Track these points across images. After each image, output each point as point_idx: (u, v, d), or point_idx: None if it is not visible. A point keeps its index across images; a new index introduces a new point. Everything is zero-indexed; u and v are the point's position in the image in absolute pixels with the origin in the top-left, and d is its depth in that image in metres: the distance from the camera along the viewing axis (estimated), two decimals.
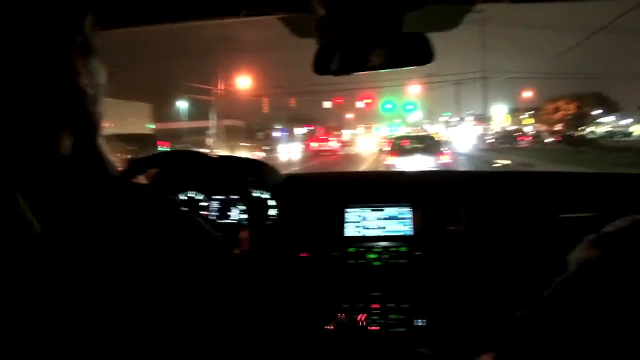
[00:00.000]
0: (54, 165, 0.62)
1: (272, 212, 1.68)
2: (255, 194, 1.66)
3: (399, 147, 15.32)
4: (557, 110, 42.39)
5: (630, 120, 53.27)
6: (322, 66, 1.44)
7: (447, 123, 72.18)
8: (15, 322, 0.51)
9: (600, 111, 39.97)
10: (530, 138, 39.23)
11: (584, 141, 28.63)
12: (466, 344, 1.50)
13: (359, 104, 43.84)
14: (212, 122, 33.19)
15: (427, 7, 1.36)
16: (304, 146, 41.56)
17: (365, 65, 1.41)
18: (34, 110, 0.61)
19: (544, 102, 46.49)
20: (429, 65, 1.39)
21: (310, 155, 34.22)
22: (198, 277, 0.63)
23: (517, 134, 39.42)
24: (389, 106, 46.08)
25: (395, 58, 1.41)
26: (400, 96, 52.29)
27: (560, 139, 34.59)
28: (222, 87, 34.17)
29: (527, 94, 52.70)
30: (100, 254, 0.57)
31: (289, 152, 37.33)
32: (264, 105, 41.33)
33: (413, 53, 1.40)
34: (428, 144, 14.97)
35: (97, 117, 0.71)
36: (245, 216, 1.58)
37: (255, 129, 55.08)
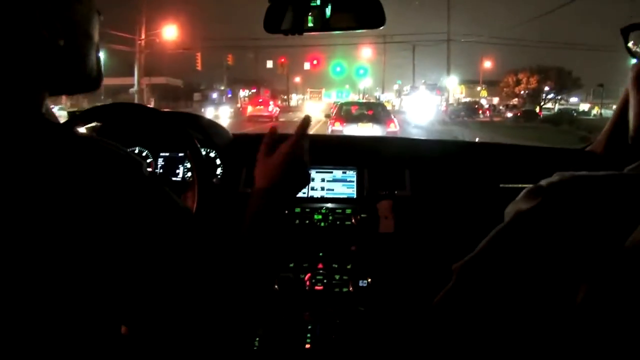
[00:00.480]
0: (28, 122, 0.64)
1: (218, 171, 1.70)
2: (203, 152, 1.66)
3: (346, 113, 14.98)
4: (518, 82, 42.15)
5: (576, 99, 54.71)
6: (272, 24, 1.44)
7: (398, 92, 70.62)
8: None
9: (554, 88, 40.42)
10: (489, 112, 38.41)
11: (566, 118, 28.23)
12: (407, 302, 1.58)
13: (307, 66, 39.73)
14: (135, 79, 28.59)
15: None
16: (235, 110, 38.76)
17: (317, 26, 1.42)
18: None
19: (504, 74, 46.51)
20: (384, 28, 1.42)
21: (244, 120, 31.28)
22: (157, 239, 0.65)
23: (476, 106, 38.60)
24: (338, 69, 44.11)
25: (348, 20, 1.43)
26: (351, 60, 51.13)
27: (520, 113, 34.66)
28: (144, 37, 28.20)
29: (487, 64, 50.90)
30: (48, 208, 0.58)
31: (217, 116, 31.55)
32: (197, 61, 35.02)
33: (366, 16, 1.42)
34: (377, 112, 14.75)
35: (78, 68, 0.74)
36: (190, 174, 1.60)
37: (194, 90, 51.04)
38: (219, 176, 1.68)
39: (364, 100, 36.06)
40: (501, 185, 1.77)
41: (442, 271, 1.41)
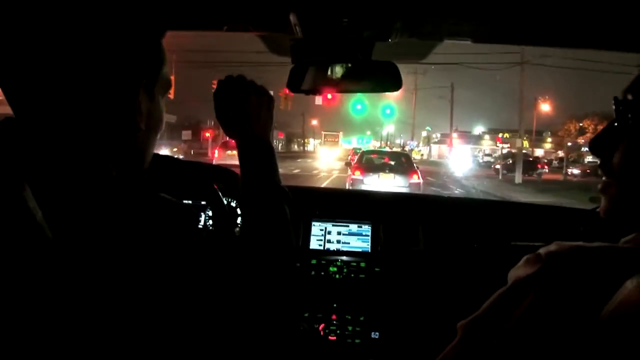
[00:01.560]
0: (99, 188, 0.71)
1: (239, 220, 1.80)
2: (224, 201, 1.77)
3: (367, 162, 14.56)
4: (582, 131, 38.49)
5: None
6: (295, 84, 1.58)
7: (427, 139, 66.76)
8: (21, 320, 0.58)
9: None
10: (547, 166, 31.59)
11: None
12: (415, 356, 1.65)
13: (318, 100, 28.65)
14: None
15: (397, 40, 1.52)
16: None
17: (336, 88, 1.56)
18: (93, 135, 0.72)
19: (564, 121, 43.78)
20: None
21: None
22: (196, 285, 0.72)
23: (532, 159, 30.89)
24: (359, 107, 34.10)
25: (365, 83, 1.56)
26: (374, 98, 48.10)
27: (589, 170, 27.35)
28: None
29: (545, 107, 36.58)
30: (114, 258, 0.64)
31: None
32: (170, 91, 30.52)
33: (383, 80, 1.55)
34: (399, 162, 14.35)
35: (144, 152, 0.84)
36: (212, 222, 1.71)
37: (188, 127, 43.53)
38: (239, 225, 1.79)
39: (387, 149, 35.35)
40: (512, 243, 1.86)
41: (450, 327, 1.49)
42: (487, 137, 59.57)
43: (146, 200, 0.74)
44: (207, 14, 1.45)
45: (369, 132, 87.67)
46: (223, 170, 1.89)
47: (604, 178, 0.74)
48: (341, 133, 60.05)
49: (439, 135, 65.80)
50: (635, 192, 0.69)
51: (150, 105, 0.79)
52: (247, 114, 1.04)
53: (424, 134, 72.91)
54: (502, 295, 0.68)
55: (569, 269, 0.61)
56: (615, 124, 0.71)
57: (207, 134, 39.11)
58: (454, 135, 60.41)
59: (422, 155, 55.62)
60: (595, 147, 0.74)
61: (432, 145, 64.79)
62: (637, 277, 0.54)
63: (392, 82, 1.53)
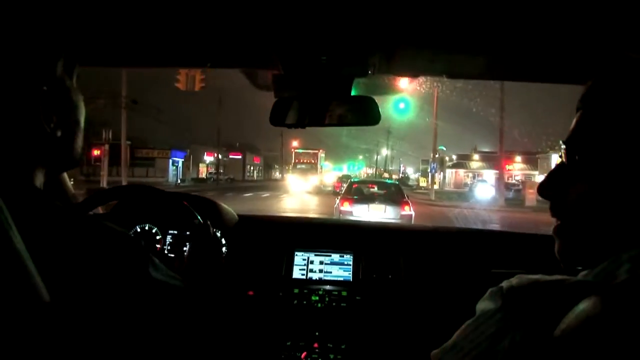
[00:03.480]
0: (27, 197, 0.74)
1: (224, 250, 1.91)
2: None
3: (356, 193, 14.26)
4: None
5: None
6: (277, 118, 1.72)
7: (439, 161, 51.78)
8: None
9: None
10: None
11: None
12: None
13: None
14: None
15: (375, 75, 1.67)
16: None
17: (317, 121, 1.70)
18: (8, 145, 0.75)
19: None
20: None
21: None
22: (147, 315, 0.76)
23: None
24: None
25: (346, 117, 1.69)
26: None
27: None
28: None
29: None
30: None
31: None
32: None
33: (362, 114, 1.70)
34: (390, 192, 14.18)
35: (69, 152, 0.87)
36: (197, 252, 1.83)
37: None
38: (224, 255, 1.90)
39: (378, 179, 33.60)
40: (493, 271, 2.00)
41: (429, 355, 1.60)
42: (518, 159, 50.05)
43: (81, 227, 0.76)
44: (191, 52, 1.58)
45: (361, 157, 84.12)
46: (208, 201, 2.01)
47: (556, 221, 0.81)
48: (322, 152, 44.06)
49: (454, 157, 58.58)
50: (592, 231, 0.74)
51: (62, 89, 0.83)
52: None
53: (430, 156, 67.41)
54: (469, 326, 0.73)
55: (526, 301, 0.67)
56: (564, 164, 0.77)
57: (96, 152, 26.54)
58: (475, 157, 55.93)
59: (428, 183, 43.77)
60: (544, 190, 0.81)
61: (446, 170, 56.46)
62: (584, 302, 0.60)
63: (371, 116, 1.67)
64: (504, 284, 0.71)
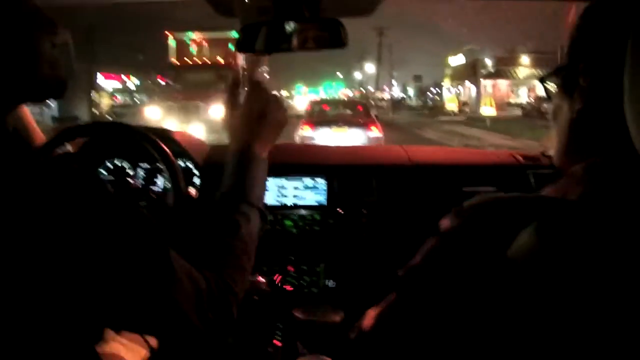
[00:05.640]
0: None
1: (197, 181, 1.98)
2: (180, 163, 1.93)
3: (318, 114, 13.80)
4: None
5: None
6: (246, 45, 1.78)
7: (471, 68, 42.27)
8: None
9: None
10: None
11: None
12: (370, 302, 1.92)
13: None
14: None
15: None
16: None
17: (286, 47, 1.76)
18: None
19: None
20: None
21: None
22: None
23: None
24: None
25: (313, 41, 1.76)
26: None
27: None
28: None
29: None
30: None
31: None
32: None
33: (330, 36, 1.76)
34: (355, 112, 13.72)
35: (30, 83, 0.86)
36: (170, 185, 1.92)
37: None
38: (197, 187, 1.98)
39: (339, 99, 33.41)
40: (464, 189, 2.14)
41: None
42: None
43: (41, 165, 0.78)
44: None
45: (340, 74, 77.05)
46: (177, 133, 2.08)
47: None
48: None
49: (488, 63, 42.39)
50: (570, 138, 0.81)
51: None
52: (262, 127, 1.16)
53: (452, 60, 50.26)
54: (432, 245, 0.77)
55: (485, 220, 0.71)
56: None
57: None
58: (524, 60, 37.46)
59: (461, 104, 36.75)
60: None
61: (482, 81, 40.81)
62: (531, 226, 0.64)
63: (338, 39, 1.74)
64: (465, 203, 0.76)
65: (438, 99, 57.32)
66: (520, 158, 2.19)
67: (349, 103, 16.71)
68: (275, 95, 1.20)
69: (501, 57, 42.38)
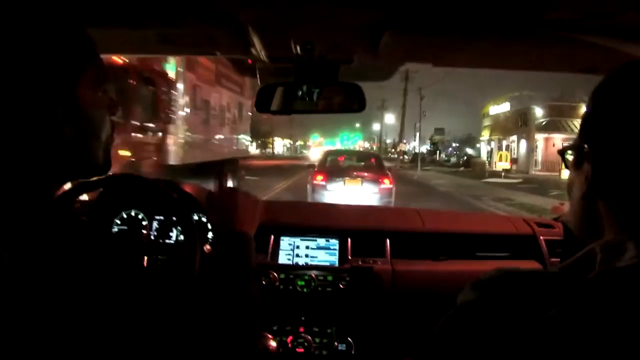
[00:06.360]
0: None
1: (210, 235, 2.01)
2: (195, 217, 1.98)
3: (331, 164, 13.91)
4: None
5: None
6: (263, 105, 1.84)
7: (523, 120, 36.04)
8: None
9: None
10: None
11: None
12: None
13: None
14: None
15: (361, 62, 1.79)
16: None
17: (302, 108, 1.82)
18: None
19: None
20: None
21: None
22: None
23: None
24: None
25: (331, 104, 1.81)
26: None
27: None
28: None
29: None
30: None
31: None
32: None
33: (347, 100, 1.81)
34: (369, 164, 13.91)
35: (84, 161, 0.90)
36: (183, 238, 1.96)
37: None
38: (210, 241, 2.01)
39: (353, 150, 33.58)
40: (477, 254, 2.16)
41: (415, 339, 1.75)
42: None
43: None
44: (176, 39, 1.68)
45: (357, 125, 76.66)
46: (189, 185, 2.13)
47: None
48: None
49: (538, 112, 34.98)
50: (583, 217, 0.83)
51: (78, 107, 0.85)
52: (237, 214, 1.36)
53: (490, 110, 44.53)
54: (449, 318, 0.78)
55: (502, 295, 0.73)
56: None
57: None
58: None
59: (508, 161, 30.65)
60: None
61: (534, 134, 34.68)
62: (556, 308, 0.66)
63: (357, 103, 1.80)
64: (482, 276, 0.78)
65: (473, 153, 53.79)
66: (534, 224, 2.22)
67: (362, 154, 17.13)
68: (244, 192, 1.43)
69: (555, 105, 35.54)
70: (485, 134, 47.35)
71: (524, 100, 37.30)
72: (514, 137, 38.21)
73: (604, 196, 0.78)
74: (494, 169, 35.21)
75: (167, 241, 2.03)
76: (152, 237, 2.02)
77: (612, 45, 1.31)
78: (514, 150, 37.47)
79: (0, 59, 0.76)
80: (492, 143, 45.03)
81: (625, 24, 1.22)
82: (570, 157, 0.88)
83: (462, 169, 41.07)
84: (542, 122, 35.76)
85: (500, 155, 31.86)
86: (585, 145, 0.79)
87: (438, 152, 58.63)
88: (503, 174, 29.35)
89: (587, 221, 0.83)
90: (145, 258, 1.91)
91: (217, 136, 15.33)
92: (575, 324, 0.65)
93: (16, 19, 0.78)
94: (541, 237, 2.13)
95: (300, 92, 1.80)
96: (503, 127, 41.27)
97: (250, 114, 19.38)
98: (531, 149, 35.62)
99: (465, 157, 52.83)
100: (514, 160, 31.46)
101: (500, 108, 43.40)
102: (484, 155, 47.19)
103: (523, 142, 36.56)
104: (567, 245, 1.97)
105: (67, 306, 0.76)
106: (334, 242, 2.10)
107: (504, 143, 41.06)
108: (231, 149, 16.98)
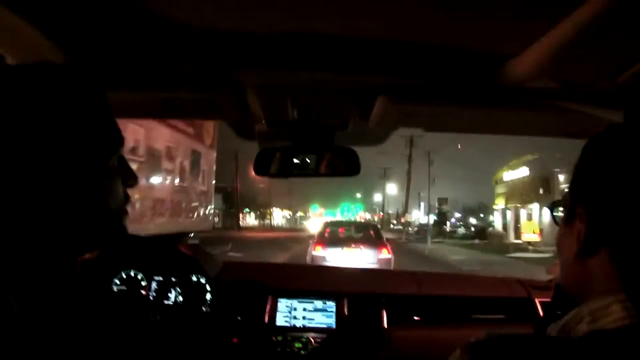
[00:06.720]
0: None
1: (208, 297, 2.03)
2: (193, 278, 2.02)
3: (330, 235, 14.18)
4: None
5: None
6: (261, 168, 1.92)
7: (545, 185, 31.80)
8: None
9: None
10: None
11: None
12: None
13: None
14: None
15: (356, 127, 1.88)
16: None
17: (300, 172, 1.89)
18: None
19: None
20: None
21: None
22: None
23: None
24: None
25: (327, 168, 1.89)
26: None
27: None
28: None
29: None
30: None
31: None
32: None
33: (343, 165, 1.90)
34: (367, 234, 14.11)
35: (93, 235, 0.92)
36: (182, 299, 2.00)
37: None
38: (208, 302, 2.04)
39: (352, 220, 33.92)
40: (473, 317, 2.19)
41: None
42: None
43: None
44: (179, 104, 1.76)
45: (359, 195, 76.44)
46: (192, 247, 2.20)
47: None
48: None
49: (561, 179, 31.11)
50: (568, 279, 0.85)
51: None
52: None
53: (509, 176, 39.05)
54: None
55: (490, 358, 0.75)
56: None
57: None
58: None
59: (537, 232, 27.69)
60: None
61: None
62: None
63: (352, 167, 1.88)
64: (473, 340, 0.79)
65: (477, 223, 51.54)
66: (529, 287, 2.26)
67: (361, 225, 17.07)
68: None
69: None
70: (500, 202, 43.36)
71: (544, 164, 33.86)
72: (534, 205, 35.35)
73: (600, 253, 0.78)
74: (513, 240, 33.86)
75: (165, 302, 2.06)
76: (151, 298, 2.05)
77: (594, 112, 1.38)
78: (536, 219, 33.81)
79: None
80: (509, 212, 41.15)
81: (603, 91, 1.30)
82: (559, 213, 0.90)
83: (477, 241, 39.28)
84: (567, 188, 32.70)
85: (526, 226, 29.79)
86: (577, 205, 0.80)
87: (446, 223, 55.25)
88: (530, 247, 27.26)
89: (578, 279, 0.83)
90: (145, 317, 1.94)
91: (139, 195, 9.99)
92: None
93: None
94: (536, 300, 2.16)
95: (297, 156, 1.88)
96: (521, 194, 37.58)
97: (214, 168, 15.56)
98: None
99: (475, 228, 51.30)
100: (534, 230, 28.64)
101: (516, 173, 39.53)
102: (498, 226, 44.50)
103: (546, 211, 34.26)
104: (558, 306, 2.00)
105: None
106: (331, 305, 2.13)
107: (523, 212, 37.50)
108: (176, 219, 12.68)
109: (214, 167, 14.86)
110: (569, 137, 1.74)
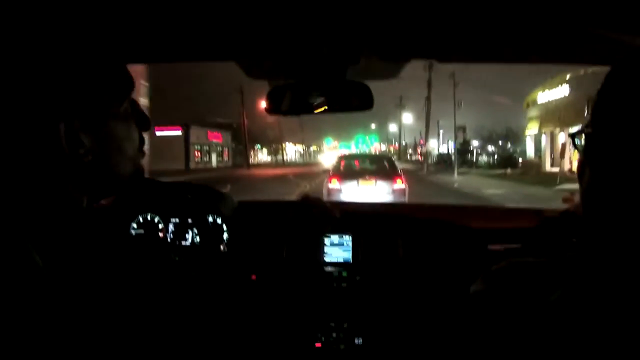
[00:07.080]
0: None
1: (225, 236, 2.07)
2: (209, 218, 2.06)
3: (346, 168, 14.49)
4: None
5: None
6: (273, 107, 1.91)
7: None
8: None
9: None
10: None
11: None
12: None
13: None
14: None
15: (367, 60, 1.85)
16: None
17: (312, 108, 1.89)
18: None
19: None
20: None
21: None
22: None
23: None
24: None
25: (339, 103, 1.87)
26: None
27: None
28: None
29: None
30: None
31: None
32: None
33: (355, 99, 1.88)
34: (382, 166, 14.33)
35: (106, 177, 0.93)
36: (199, 239, 2.04)
37: None
38: (226, 242, 2.07)
39: (366, 153, 32.98)
40: (489, 247, 2.21)
41: (430, 332, 1.81)
42: None
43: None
44: (187, 46, 1.71)
45: (373, 126, 73.13)
46: (203, 187, 2.21)
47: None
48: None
49: None
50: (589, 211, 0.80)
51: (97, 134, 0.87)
52: None
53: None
54: (461, 308, 0.84)
55: (512, 285, 0.78)
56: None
57: None
58: None
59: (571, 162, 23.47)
60: None
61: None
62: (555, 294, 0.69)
63: (364, 102, 1.86)
64: (494, 268, 0.82)
65: (510, 150, 47.97)
66: (545, 216, 2.26)
67: (376, 157, 17.34)
68: None
69: None
70: (533, 127, 37.26)
71: (590, 80, 25.78)
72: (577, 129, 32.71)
73: (609, 186, 0.74)
74: (550, 169, 31.06)
75: (183, 243, 2.09)
76: (169, 240, 2.09)
77: (621, 37, 1.35)
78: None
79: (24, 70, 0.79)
80: (544, 137, 35.86)
81: (630, 16, 1.26)
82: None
83: (509, 170, 35.43)
84: None
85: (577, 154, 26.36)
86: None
87: (471, 152, 53.05)
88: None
89: (593, 208, 0.79)
90: (164, 259, 1.98)
91: None
92: (578, 306, 0.67)
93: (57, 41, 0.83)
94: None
95: (309, 93, 1.86)
96: (559, 118, 31.81)
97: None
98: None
99: (502, 156, 48.50)
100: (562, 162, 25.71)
101: (553, 94, 33.57)
102: (530, 154, 39.91)
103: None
104: (573, 235, 2.01)
105: (100, 306, 0.82)
106: (348, 239, 2.15)
107: (561, 137, 32.14)
108: None
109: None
110: (594, 64, 1.70)
